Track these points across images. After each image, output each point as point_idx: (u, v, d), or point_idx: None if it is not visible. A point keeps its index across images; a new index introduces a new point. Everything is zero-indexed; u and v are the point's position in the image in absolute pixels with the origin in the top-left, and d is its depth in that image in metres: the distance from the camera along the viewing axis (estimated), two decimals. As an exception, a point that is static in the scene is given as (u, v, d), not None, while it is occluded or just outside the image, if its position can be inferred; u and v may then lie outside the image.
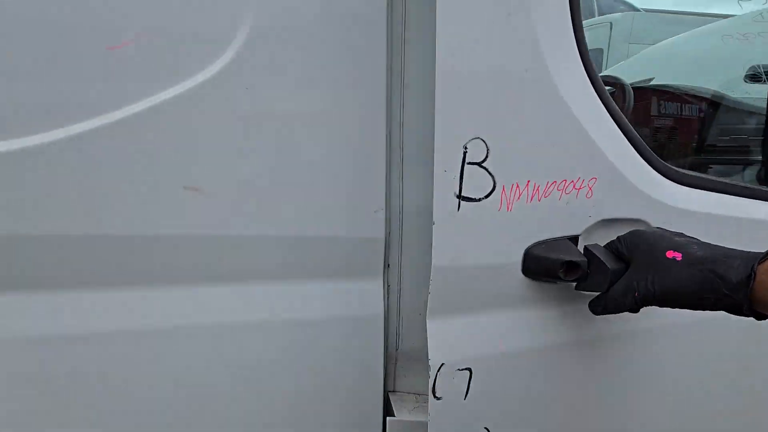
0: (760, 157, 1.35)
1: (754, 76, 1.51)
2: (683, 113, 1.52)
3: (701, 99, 1.50)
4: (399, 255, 0.77)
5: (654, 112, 1.54)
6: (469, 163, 0.60)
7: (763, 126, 1.40)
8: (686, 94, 1.53)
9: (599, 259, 0.62)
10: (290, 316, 0.70)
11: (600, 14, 5.16)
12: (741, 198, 0.74)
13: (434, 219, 0.60)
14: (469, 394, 0.67)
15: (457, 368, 0.65)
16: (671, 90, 1.53)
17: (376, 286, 0.73)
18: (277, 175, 0.66)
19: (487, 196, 0.61)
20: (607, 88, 0.70)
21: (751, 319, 0.51)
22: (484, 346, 0.68)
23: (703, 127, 1.48)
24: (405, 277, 0.79)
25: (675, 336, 0.74)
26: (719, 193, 0.74)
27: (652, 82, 1.80)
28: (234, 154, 0.64)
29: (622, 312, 0.60)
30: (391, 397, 0.82)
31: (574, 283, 0.66)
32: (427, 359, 0.63)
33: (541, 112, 0.63)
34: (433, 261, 0.62)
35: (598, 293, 0.63)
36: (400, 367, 0.83)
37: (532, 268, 0.66)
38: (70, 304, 0.62)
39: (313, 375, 0.71)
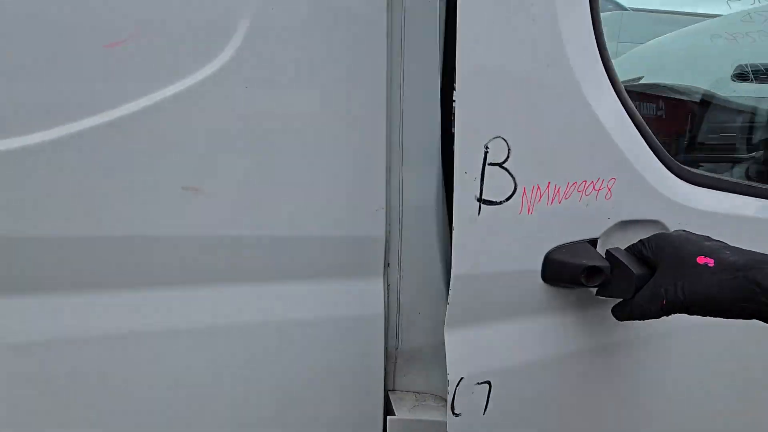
0: (748, 155, 1.38)
1: (741, 75, 1.54)
2: (673, 111, 1.54)
3: (690, 97, 1.52)
4: (399, 254, 0.77)
5: (646, 111, 1.56)
6: (490, 164, 0.58)
7: (750, 124, 1.43)
8: (675, 93, 1.55)
9: (623, 263, 0.60)
10: (290, 316, 0.69)
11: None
12: (757, 198, 0.73)
13: (454, 224, 0.58)
14: (488, 409, 0.64)
15: (476, 382, 0.63)
16: (663, 88, 1.55)
17: (376, 286, 0.73)
18: (277, 174, 0.65)
19: (507, 199, 0.59)
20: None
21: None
22: (503, 357, 0.66)
23: (693, 126, 1.50)
24: (405, 276, 0.79)
25: (696, 336, 0.72)
26: (733, 193, 0.73)
27: (641, 81, 1.83)
28: (233, 153, 0.63)
29: (647, 319, 0.58)
30: (391, 396, 0.82)
31: (595, 289, 0.64)
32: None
33: (563, 110, 0.62)
34: (453, 269, 0.59)
35: (622, 299, 0.61)
36: (400, 365, 0.83)
37: (552, 273, 0.64)
38: (68, 306, 0.61)
39: (314, 375, 0.71)
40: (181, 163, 0.61)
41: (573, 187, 0.62)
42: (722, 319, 0.54)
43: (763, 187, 0.78)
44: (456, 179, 0.57)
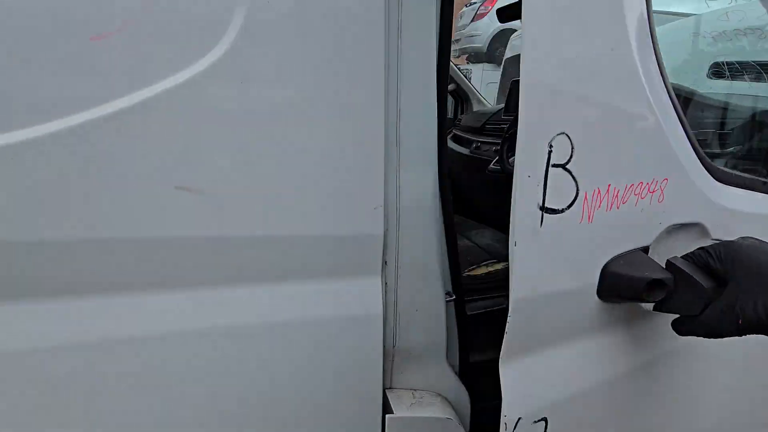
0: (723, 150, 1.42)
1: (717, 73, 1.59)
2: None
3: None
4: (396, 252, 0.76)
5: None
6: (554, 165, 0.52)
7: (723, 120, 1.48)
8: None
9: (690, 276, 0.54)
10: (289, 316, 0.67)
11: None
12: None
13: (515, 239, 0.51)
14: None
15: (533, 420, 0.58)
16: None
17: (374, 284, 0.73)
18: (273, 173, 0.63)
19: (569, 206, 0.53)
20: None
21: None
22: (558, 389, 0.61)
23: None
24: (402, 275, 0.78)
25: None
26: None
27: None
28: (228, 152, 0.60)
29: (716, 338, 0.52)
30: (389, 394, 0.82)
31: (652, 304, 0.59)
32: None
33: (626, 104, 0.57)
34: (512, 293, 0.53)
35: (685, 314, 0.56)
36: (397, 363, 0.83)
37: (609, 288, 0.58)
38: (63, 311, 0.58)
39: (313, 375, 0.70)
40: (173, 162, 0.59)
41: (631, 190, 0.57)
42: None
43: None
44: (516, 185, 0.51)
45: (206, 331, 0.64)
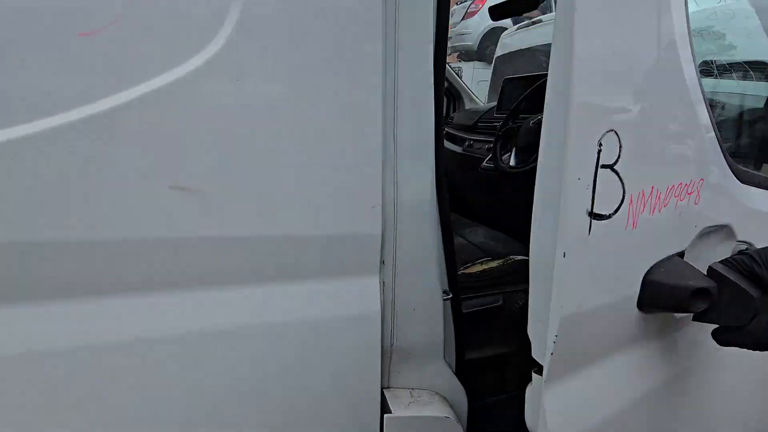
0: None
1: (705, 71, 1.61)
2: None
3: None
4: (393, 251, 0.76)
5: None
6: (602, 166, 0.48)
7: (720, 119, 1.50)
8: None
9: (737, 284, 0.51)
10: (287, 317, 0.67)
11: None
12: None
13: (564, 250, 0.47)
14: None
15: None
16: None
17: (372, 284, 0.72)
18: (270, 172, 0.62)
19: (616, 211, 0.49)
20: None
21: None
22: (598, 409, 0.57)
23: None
24: (399, 274, 0.78)
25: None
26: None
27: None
28: (223, 150, 0.59)
29: (764, 350, 0.50)
30: (386, 394, 0.81)
31: (692, 313, 0.56)
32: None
33: (669, 100, 0.55)
34: (560, 311, 0.48)
35: (731, 324, 0.53)
36: (394, 363, 0.83)
37: (651, 299, 0.54)
38: (58, 314, 0.56)
39: (312, 375, 0.70)
40: (167, 161, 0.57)
41: (671, 191, 0.55)
42: None
43: None
44: (565, 190, 0.46)
45: (204, 331, 0.63)
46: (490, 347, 1.25)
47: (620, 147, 0.50)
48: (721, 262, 0.55)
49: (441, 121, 0.77)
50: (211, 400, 0.65)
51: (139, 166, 0.55)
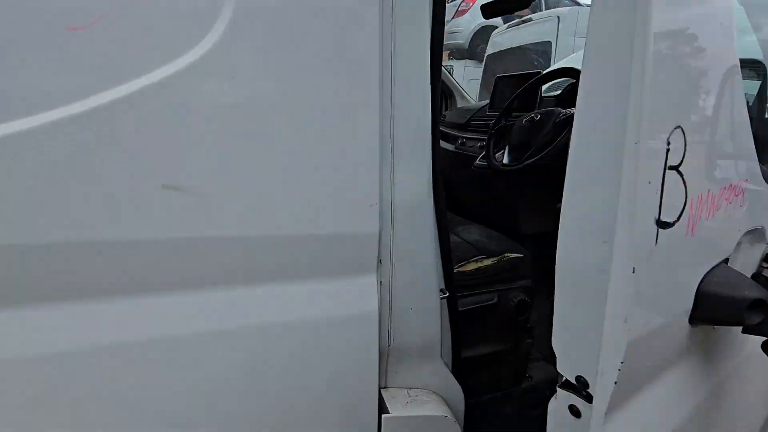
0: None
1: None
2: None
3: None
4: (390, 250, 0.76)
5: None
6: (670, 168, 0.44)
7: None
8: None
9: None
10: (286, 317, 0.66)
11: (547, 8, 5.37)
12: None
13: (634, 264, 0.41)
14: None
15: None
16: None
17: (370, 283, 0.72)
18: (266, 171, 0.61)
19: (678, 218, 0.45)
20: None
21: None
22: (662, 426, 0.54)
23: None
24: (396, 273, 0.77)
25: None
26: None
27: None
28: (216, 150, 0.58)
29: None
30: (384, 394, 0.81)
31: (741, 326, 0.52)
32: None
33: (726, 97, 0.52)
34: (626, 335, 0.43)
35: None
36: (391, 362, 0.82)
37: (704, 312, 0.50)
38: (54, 316, 0.54)
39: (310, 376, 0.69)
40: (159, 160, 0.56)
41: (722, 194, 0.52)
42: None
43: None
44: (633, 196, 0.41)
45: (202, 332, 0.62)
46: (485, 345, 1.25)
47: (685, 146, 0.46)
48: None
49: (437, 120, 0.77)
50: (209, 399, 0.64)
51: (129, 165, 0.54)
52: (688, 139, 0.46)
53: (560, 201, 0.56)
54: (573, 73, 1.46)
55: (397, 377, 0.83)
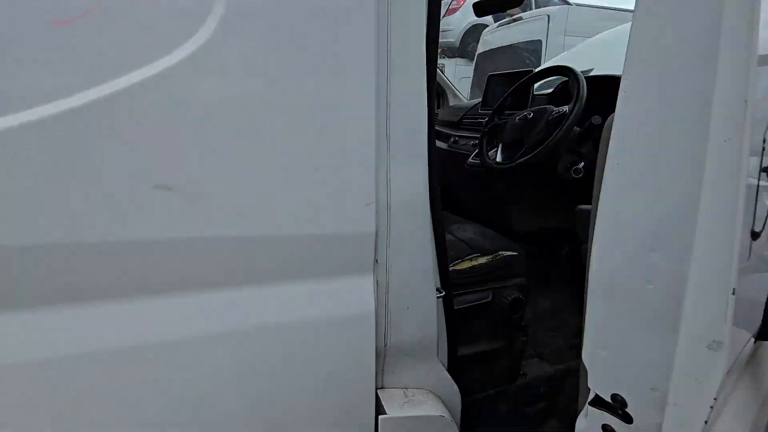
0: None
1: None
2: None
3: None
4: (387, 249, 0.75)
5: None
6: (763, 170, 0.39)
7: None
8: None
9: None
10: (283, 319, 0.65)
11: (537, 7, 5.40)
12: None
13: (734, 285, 0.35)
14: None
15: None
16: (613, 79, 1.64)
17: (367, 283, 0.71)
18: (261, 171, 0.60)
19: (764, 227, 0.40)
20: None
21: None
22: None
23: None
24: (392, 272, 0.77)
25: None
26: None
27: (591, 73, 1.91)
28: (210, 149, 0.57)
29: None
30: (380, 394, 0.81)
31: None
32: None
33: None
34: (722, 371, 0.39)
35: None
36: (388, 363, 0.82)
37: None
38: (46, 321, 0.53)
39: (307, 376, 0.68)
40: (151, 159, 0.55)
41: None
42: None
43: None
44: (732, 200, 0.36)
45: (201, 333, 0.61)
46: (480, 343, 1.26)
47: (765, 140, 0.41)
48: None
49: (433, 119, 0.77)
50: (207, 399, 0.64)
51: (120, 164, 0.53)
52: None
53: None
54: (565, 71, 1.46)
55: (394, 377, 0.82)
